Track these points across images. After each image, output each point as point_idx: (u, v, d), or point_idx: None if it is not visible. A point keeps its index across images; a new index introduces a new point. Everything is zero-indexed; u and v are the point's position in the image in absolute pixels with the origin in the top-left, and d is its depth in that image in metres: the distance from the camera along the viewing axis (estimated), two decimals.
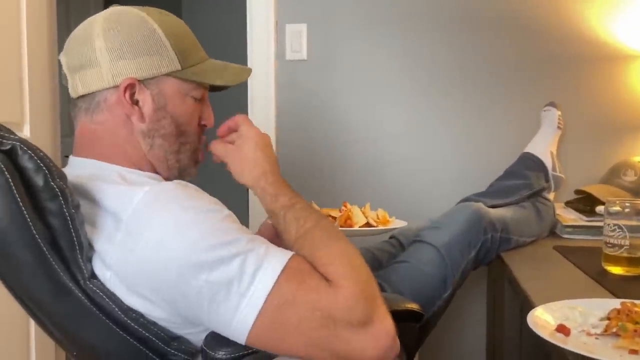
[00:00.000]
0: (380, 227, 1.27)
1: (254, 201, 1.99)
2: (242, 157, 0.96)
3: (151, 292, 0.80)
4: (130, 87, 0.91)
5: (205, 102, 1.01)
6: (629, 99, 1.84)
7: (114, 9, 0.96)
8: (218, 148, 0.99)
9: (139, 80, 0.92)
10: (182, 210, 0.79)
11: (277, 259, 0.78)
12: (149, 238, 0.78)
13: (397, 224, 1.30)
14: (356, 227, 1.26)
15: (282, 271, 0.77)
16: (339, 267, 0.80)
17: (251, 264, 0.77)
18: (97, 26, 0.93)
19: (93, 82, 0.92)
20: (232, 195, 1.41)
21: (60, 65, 0.98)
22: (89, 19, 0.96)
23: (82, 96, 0.94)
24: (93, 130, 0.94)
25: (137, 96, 0.92)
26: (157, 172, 0.96)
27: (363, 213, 1.29)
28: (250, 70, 1.05)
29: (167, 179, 0.96)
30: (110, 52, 0.91)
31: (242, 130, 0.98)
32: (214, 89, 1.04)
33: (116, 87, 0.91)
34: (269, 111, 1.98)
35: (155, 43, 0.92)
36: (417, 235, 1.43)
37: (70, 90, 0.96)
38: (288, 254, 0.80)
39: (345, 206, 1.29)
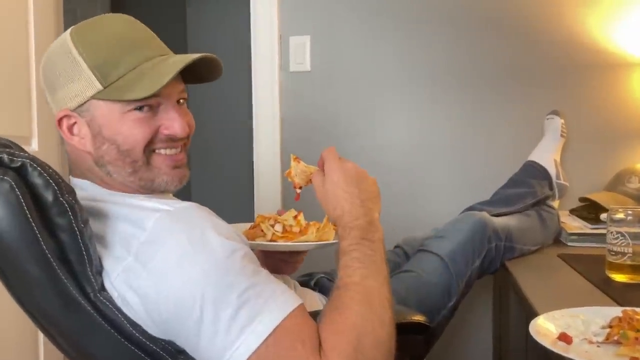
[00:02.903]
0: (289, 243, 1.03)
1: (258, 198, 2.03)
2: (325, 196, 0.92)
3: (150, 317, 0.81)
4: (67, 119, 0.90)
5: (165, 109, 0.89)
6: (632, 106, 1.84)
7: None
8: (315, 181, 0.95)
9: (73, 110, 0.89)
10: (189, 244, 0.78)
11: (272, 316, 0.75)
12: (153, 268, 0.78)
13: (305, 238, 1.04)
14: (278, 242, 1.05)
15: (273, 332, 0.74)
16: (342, 341, 0.75)
17: (243, 317, 0.74)
18: (42, 62, 0.93)
19: (52, 116, 0.93)
20: (238, 187, 1.38)
21: None
22: None
23: None
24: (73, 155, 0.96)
25: (74, 127, 0.91)
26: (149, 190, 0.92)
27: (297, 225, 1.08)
28: (201, 56, 0.87)
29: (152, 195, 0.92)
30: (47, 87, 0.92)
31: (325, 167, 0.93)
32: (196, 80, 0.93)
33: None
34: (274, 122, 2.01)
35: (73, 67, 0.87)
36: (421, 245, 1.44)
37: None
38: (287, 309, 0.76)
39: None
